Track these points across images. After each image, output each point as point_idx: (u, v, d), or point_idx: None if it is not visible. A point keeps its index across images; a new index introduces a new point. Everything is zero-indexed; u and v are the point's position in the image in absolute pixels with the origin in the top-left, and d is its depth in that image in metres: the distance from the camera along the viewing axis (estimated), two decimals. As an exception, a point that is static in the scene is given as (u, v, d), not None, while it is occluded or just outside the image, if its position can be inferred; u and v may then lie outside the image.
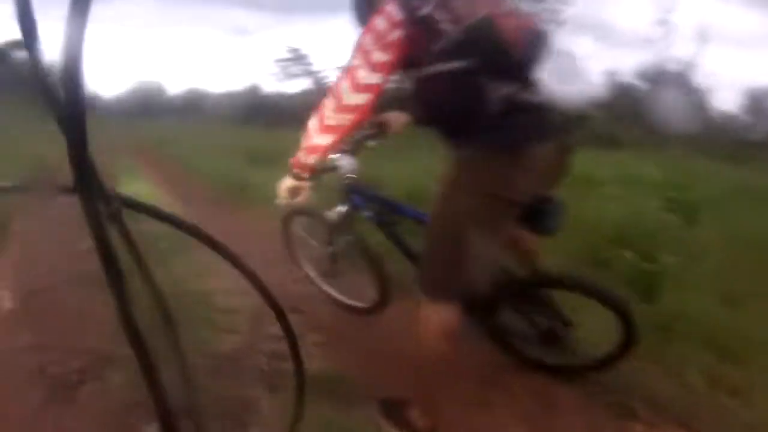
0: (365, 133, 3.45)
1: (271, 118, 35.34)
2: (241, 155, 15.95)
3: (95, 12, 0.78)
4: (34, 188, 0.94)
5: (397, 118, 3.42)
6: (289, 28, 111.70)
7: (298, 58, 45.77)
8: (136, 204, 0.99)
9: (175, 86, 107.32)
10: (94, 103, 76.63)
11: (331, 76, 41.81)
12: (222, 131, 31.74)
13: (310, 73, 45.50)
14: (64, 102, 0.75)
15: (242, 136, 25.06)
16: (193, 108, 65.99)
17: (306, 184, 2.58)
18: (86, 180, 0.77)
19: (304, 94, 42.93)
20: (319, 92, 40.92)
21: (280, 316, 1.25)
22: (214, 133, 29.74)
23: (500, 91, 2.26)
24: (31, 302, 4.20)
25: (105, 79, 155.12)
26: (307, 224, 4.34)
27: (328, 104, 2.34)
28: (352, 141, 3.43)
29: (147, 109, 70.90)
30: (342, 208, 3.70)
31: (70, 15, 0.70)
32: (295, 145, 2.47)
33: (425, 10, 2.22)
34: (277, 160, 12.91)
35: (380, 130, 3.45)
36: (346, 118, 2.29)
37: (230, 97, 56.91)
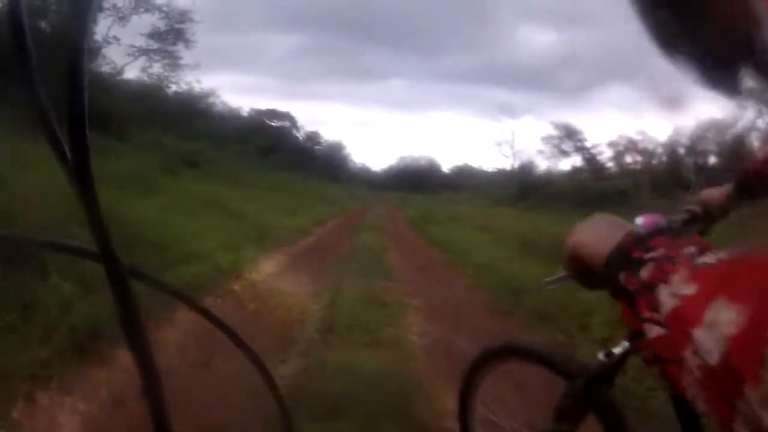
0: (680, 217, 2.07)
1: (543, 198, 33.31)
2: (512, 241, 14.37)
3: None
4: (61, 247, 0.82)
5: (719, 197, 2.09)
6: (553, 104, 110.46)
7: (568, 134, 43.99)
8: (142, 275, 0.86)
9: (445, 162, 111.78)
10: (366, 174, 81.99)
11: (604, 152, 39.80)
12: (491, 210, 30.65)
13: (581, 150, 43.35)
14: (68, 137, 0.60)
15: (513, 218, 23.78)
16: (464, 184, 66.72)
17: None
18: (107, 244, 0.66)
19: (575, 172, 40.81)
20: (593, 170, 39.16)
21: (285, 412, 1.16)
22: (483, 213, 28.81)
23: None
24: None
25: (373, 154, 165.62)
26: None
27: None
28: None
29: (418, 184, 73.65)
30: (620, 348, 2.01)
31: (76, 13, 0.57)
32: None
33: None
34: (553, 253, 10.85)
35: (698, 213, 2.10)
36: None
37: (501, 175, 56.64)
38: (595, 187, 29.66)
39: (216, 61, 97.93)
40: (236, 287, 8.50)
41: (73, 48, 0.58)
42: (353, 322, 6.84)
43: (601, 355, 2.00)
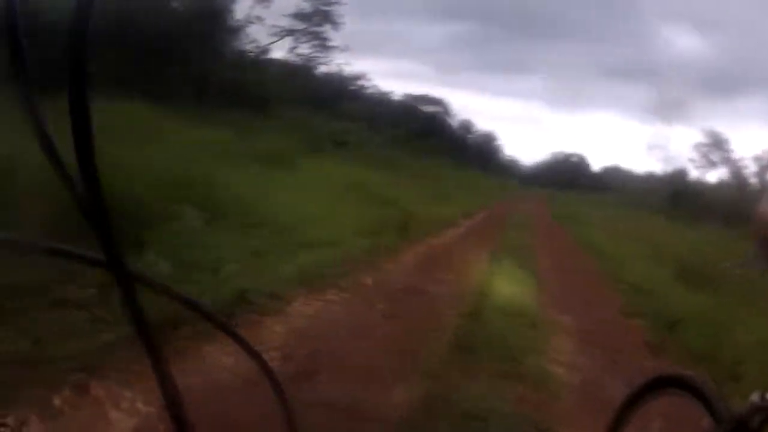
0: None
1: (697, 211, 31.25)
2: (669, 261, 13.45)
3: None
4: (65, 253, 0.72)
5: None
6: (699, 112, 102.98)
7: (716, 143, 41.42)
8: (148, 281, 0.82)
9: (595, 162, 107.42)
10: (516, 167, 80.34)
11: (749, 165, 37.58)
12: (644, 220, 29.01)
13: (728, 162, 40.60)
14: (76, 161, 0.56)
15: (667, 231, 22.38)
16: (613, 185, 64.37)
17: None
18: (115, 250, 0.65)
19: (721, 186, 39.22)
20: (739, 186, 36.94)
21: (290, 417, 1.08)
22: (635, 222, 27.35)
23: None
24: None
25: (524, 147, 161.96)
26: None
27: None
28: None
29: (567, 181, 71.98)
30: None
31: (75, 9, 0.55)
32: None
33: None
34: (718, 281, 9.89)
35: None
36: None
37: (653, 180, 53.67)
38: (742, 203, 27.72)
39: (367, 46, 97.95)
40: (367, 280, 8.12)
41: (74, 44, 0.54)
42: (493, 340, 6.04)
43: (755, 397, 1.65)
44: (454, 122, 63.85)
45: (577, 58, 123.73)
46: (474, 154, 62.53)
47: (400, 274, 8.95)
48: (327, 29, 34.53)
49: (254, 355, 1.01)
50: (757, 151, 42.95)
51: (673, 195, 37.42)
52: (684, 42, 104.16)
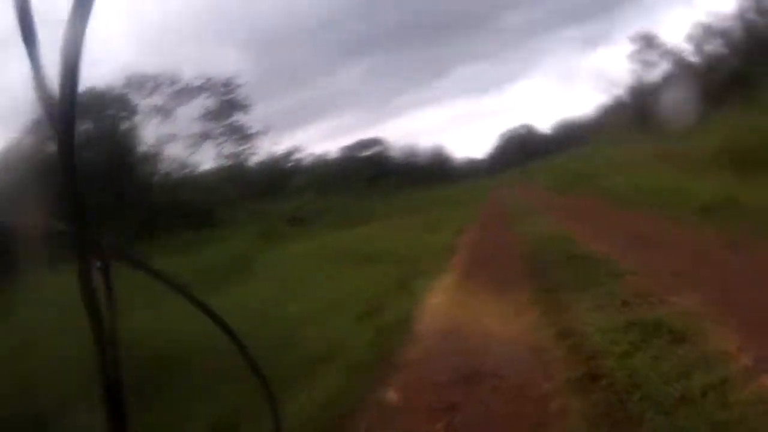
0: None
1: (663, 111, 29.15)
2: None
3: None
4: (29, 227, 0.88)
5: None
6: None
7: (647, 43, 39.22)
8: (131, 259, 0.94)
9: (545, 124, 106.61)
10: (474, 164, 78.71)
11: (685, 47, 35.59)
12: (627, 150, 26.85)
13: (666, 54, 38.61)
14: (57, 116, 0.69)
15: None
16: (570, 138, 63.41)
17: None
18: (81, 222, 0.72)
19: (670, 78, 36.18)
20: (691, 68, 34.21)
21: (264, 383, 1.20)
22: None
23: None
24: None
25: (473, 142, 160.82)
26: None
27: None
28: None
29: (528, 152, 71.04)
30: None
31: (72, 15, 0.66)
32: None
33: None
34: None
35: None
36: None
37: (608, 109, 51.64)
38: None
39: (291, 120, 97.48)
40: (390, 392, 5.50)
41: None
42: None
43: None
44: (396, 153, 62.98)
45: (489, 41, 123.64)
46: (429, 173, 60.90)
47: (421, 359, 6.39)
48: (239, 117, 33.06)
49: (232, 335, 1.06)
50: (684, 31, 41.41)
51: (638, 112, 35.27)
52: None
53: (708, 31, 32.37)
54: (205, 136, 31.87)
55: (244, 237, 18.29)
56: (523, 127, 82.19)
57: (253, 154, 35.68)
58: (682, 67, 35.09)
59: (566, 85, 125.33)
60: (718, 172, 11.65)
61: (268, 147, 37.31)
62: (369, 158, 58.58)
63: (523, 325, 6.39)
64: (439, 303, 8.47)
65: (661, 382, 4.18)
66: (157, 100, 29.30)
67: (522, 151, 73.97)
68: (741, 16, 30.40)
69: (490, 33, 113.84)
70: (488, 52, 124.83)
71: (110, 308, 0.82)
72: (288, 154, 44.97)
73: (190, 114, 30.80)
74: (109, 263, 0.79)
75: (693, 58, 34.53)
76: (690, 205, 10.45)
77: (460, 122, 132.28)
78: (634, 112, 36.70)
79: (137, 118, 27.77)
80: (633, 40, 40.07)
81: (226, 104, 32.18)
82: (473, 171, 75.32)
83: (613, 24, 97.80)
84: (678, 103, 28.44)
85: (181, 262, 13.42)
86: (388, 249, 13.70)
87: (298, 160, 47.67)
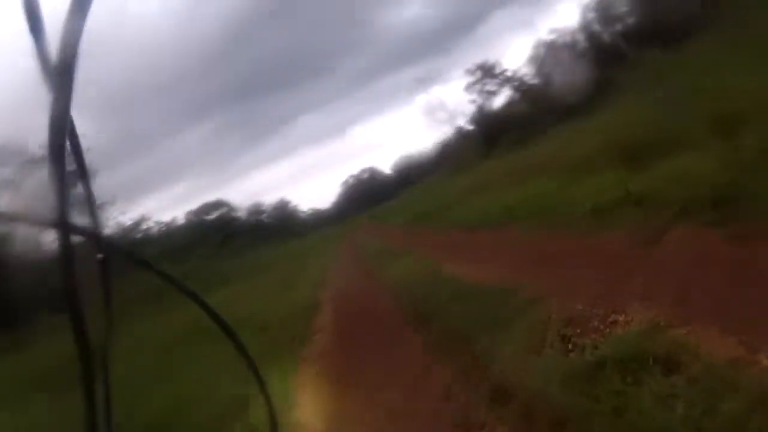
0: None
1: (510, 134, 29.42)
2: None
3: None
4: (16, 218, 0.75)
5: None
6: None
7: (486, 73, 40.47)
8: (129, 254, 0.92)
9: (387, 163, 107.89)
10: (321, 214, 77.54)
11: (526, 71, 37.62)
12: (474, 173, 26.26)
13: (508, 80, 40.12)
14: (50, 107, 0.68)
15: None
16: (413, 174, 64.47)
17: None
18: (65, 213, 0.71)
19: (514, 103, 38.28)
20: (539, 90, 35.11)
21: (262, 386, 1.18)
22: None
23: None
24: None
25: (318, 192, 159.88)
26: None
27: None
28: None
29: (373, 195, 71.04)
30: None
31: (69, 14, 0.66)
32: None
33: None
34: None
35: None
36: None
37: (447, 143, 52.25)
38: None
39: (136, 188, 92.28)
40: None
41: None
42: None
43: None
44: (242, 213, 60.89)
45: (324, 84, 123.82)
46: (277, 228, 59.01)
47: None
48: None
49: (233, 337, 1.04)
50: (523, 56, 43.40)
51: (486, 137, 35.27)
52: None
53: (551, 48, 32.98)
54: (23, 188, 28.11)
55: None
56: (365, 171, 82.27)
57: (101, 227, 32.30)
58: (523, 90, 36.11)
59: (406, 124, 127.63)
60: (601, 173, 10.55)
61: (116, 218, 35.47)
62: (216, 221, 57.05)
63: (437, 393, 4.54)
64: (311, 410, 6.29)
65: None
66: (5, 172, 27.13)
67: (368, 194, 73.98)
68: (585, 27, 31.33)
69: (329, 80, 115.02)
70: (328, 98, 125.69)
71: (107, 303, 0.85)
72: (136, 225, 43.18)
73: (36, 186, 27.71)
74: (110, 257, 0.80)
75: (535, 80, 35.34)
76: (578, 211, 9.17)
77: (304, 173, 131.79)
78: (480, 138, 36.80)
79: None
80: (471, 71, 41.07)
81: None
82: (321, 221, 74.44)
83: (451, 61, 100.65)
84: (526, 119, 28.54)
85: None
86: (243, 317, 11.48)
87: (147, 230, 45.90)
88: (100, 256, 0.81)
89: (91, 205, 0.79)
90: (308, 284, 15.86)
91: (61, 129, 0.66)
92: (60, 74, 0.64)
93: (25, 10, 0.65)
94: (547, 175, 13.83)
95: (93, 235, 0.77)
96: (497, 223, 12.97)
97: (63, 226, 0.68)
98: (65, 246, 0.67)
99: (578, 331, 4.73)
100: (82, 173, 0.82)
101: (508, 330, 5.41)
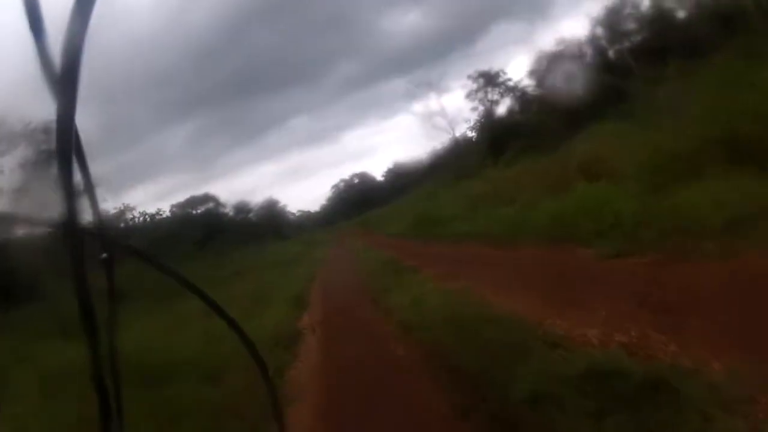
0: None
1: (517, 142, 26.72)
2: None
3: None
4: (22, 219, 0.83)
5: None
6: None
7: (488, 81, 38.35)
8: (135, 251, 0.93)
9: (377, 172, 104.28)
10: (309, 218, 74.67)
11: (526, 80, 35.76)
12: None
13: (509, 89, 38.28)
14: (56, 111, 0.70)
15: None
16: (402, 183, 61.93)
17: None
18: (74, 215, 0.73)
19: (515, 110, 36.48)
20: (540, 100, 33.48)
21: (266, 375, 1.20)
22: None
23: None
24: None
25: (307, 196, 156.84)
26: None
27: None
28: None
29: (364, 201, 69.38)
30: None
31: (73, 15, 0.67)
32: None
33: None
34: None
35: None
36: None
37: (436, 155, 49.90)
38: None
39: (120, 179, 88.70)
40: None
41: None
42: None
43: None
44: (228, 209, 57.98)
45: (314, 90, 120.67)
46: (264, 227, 56.19)
47: None
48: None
49: (236, 329, 1.07)
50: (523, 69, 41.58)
51: (492, 144, 32.51)
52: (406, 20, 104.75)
53: (555, 58, 31.06)
54: (24, 192, 25.10)
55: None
56: (356, 176, 79.54)
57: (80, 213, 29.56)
58: (527, 99, 34.32)
59: (400, 132, 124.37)
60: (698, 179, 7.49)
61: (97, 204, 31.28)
62: (202, 215, 54.05)
63: None
64: None
65: None
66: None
67: (358, 200, 71.77)
68: (593, 40, 29.96)
69: (324, 83, 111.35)
70: (322, 102, 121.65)
71: (111, 301, 0.85)
72: (120, 214, 40.12)
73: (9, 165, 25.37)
74: (113, 256, 0.81)
75: (538, 89, 33.27)
76: (706, 225, 6.05)
77: (293, 176, 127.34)
78: (485, 145, 34.44)
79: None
80: (473, 78, 39.02)
81: (45, 155, 25.65)
82: (309, 223, 72.08)
83: (449, 71, 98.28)
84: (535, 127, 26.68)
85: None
86: (188, 358, 8.10)
87: (130, 220, 42.92)
88: (104, 255, 0.79)
89: (94, 205, 0.79)
90: (288, 302, 12.56)
91: (68, 135, 0.66)
92: (64, 79, 0.64)
93: (26, 13, 0.63)
94: (600, 180, 10.72)
95: (99, 236, 0.78)
96: (539, 237, 9.88)
97: (73, 229, 0.69)
98: (76, 249, 0.69)
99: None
100: (85, 171, 0.79)
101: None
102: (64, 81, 0.63)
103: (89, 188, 0.80)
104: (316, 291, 14.30)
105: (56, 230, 0.74)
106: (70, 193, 0.68)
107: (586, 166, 12.27)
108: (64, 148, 0.65)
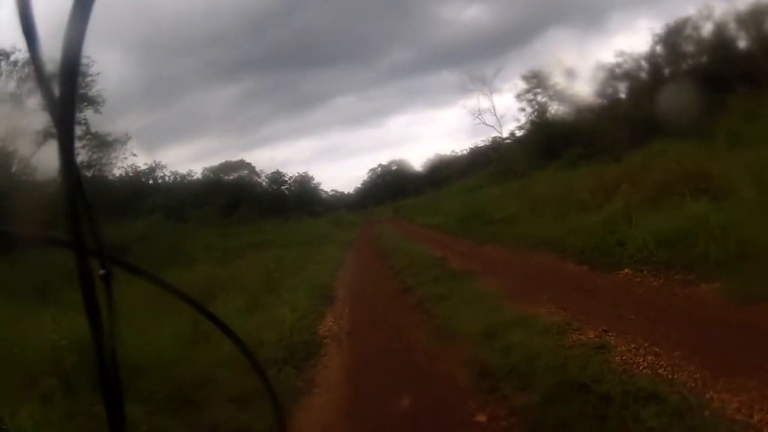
0: None
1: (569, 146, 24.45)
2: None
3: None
4: (29, 237, 0.86)
5: None
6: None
7: (539, 82, 36.35)
8: (133, 267, 0.93)
9: (416, 162, 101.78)
10: (342, 199, 72.55)
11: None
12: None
13: (557, 93, 36.00)
14: (57, 116, 0.68)
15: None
16: (441, 176, 60.74)
17: None
18: (79, 233, 0.72)
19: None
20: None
21: (264, 380, 1.17)
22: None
23: None
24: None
25: (343, 176, 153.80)
26: None
27: None
28: None
29: (397, 189, 67.39)
30: None
31: (72, 13, 0.65)
32: None
33: None
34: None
35: None
36: None
37: (478, 153, 47.05)
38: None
39: (158, 135, 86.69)
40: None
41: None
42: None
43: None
44: (263, 179, 55.77)
45: (365, 71, 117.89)
46: (295, 202, 53.84)
47: None
48: (89, 113, 25.97)
49: (235, 338, 1.03)
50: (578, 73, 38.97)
51: (544, 142, 30.22)
52: (464, 14, 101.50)
53: (613, 73, 30.20)
54: (49, 135, 23.08)
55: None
56: (394, 163, 76.79)
57: (110, 163, 29.25)
58: (579, 107, 32.25)
59: (445, 124, 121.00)
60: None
61: (126, 158, 30.73)
62: (233, 182, 51.50)
63: None
64: None
65: None
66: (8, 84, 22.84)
67: (392, 187, 69.40)
68: (651, 58, 28.79)
69: (373, 65, 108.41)
70: (369, 83, 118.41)
71: (110, 314, 0.81)
72: (150, 171, 39.23)
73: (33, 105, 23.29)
74: (111, 271, 0.79)
75: (596, 98, 31.56)
76: None
77: (332, 154, 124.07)
78: (537, 146, 32.29)
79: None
80: (526, 78, 36.93)
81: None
82: (340, 204, 69.09)
83: (500, 68, 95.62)
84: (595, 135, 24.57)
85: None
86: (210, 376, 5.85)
87: (159, 178, 41.78)
88: (102, 272, 0.78)
89: (92, 221, 0.76)
90: (308, 294, 10.15)
91: (69, 135, 0.64)
92: (63, 79, 0.62)
93: (19, 16, 0.61)
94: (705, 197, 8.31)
95: (98, 253, 0.75)
96: (640, 259, 7.48)
97: (79, 248, 0.68)
98: (83, 265, 0.68)
99: None
100: (78, 184, 0.72)
101: None
102: (63, 80, 0.61)
103: (87, 206, 0.73)
104: (342, 285, 11.85)
105: (61, 248, 0.71)
106: (74, 212, 0.67)
107: (688, 181, 9.74)
108: (64, 146, 0.63)
